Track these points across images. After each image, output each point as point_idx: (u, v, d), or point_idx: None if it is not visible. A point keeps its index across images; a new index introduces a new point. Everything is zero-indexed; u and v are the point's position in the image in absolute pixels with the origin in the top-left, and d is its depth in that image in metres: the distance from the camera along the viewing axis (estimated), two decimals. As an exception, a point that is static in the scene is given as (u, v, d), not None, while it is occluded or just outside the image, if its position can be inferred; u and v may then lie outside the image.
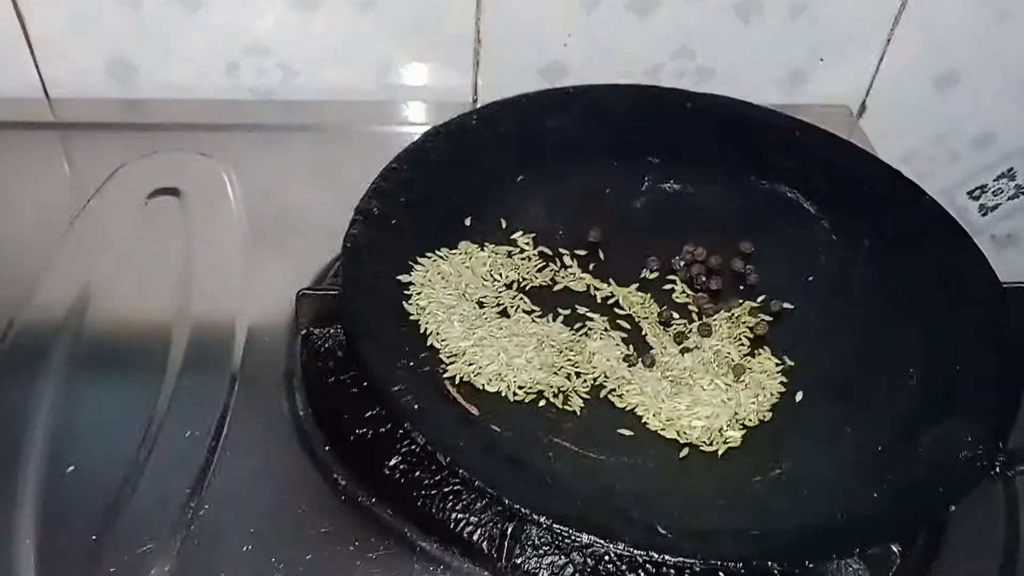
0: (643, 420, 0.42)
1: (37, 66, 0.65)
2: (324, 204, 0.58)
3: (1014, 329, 0.45)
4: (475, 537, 0.39)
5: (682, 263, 0.51)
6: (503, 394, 0.42)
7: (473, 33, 0.65)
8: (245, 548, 0.39)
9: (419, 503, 0.40)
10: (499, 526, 0.39)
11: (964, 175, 0.74)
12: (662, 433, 0.42)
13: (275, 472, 0.44)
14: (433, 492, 0.40)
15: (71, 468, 0.43)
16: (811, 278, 0.51)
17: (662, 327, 0.47)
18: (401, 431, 0.41)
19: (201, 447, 0.44)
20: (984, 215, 0.76)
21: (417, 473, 0.41)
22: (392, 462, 0.41)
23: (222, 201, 0.59)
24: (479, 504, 0.39)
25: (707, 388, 0.43)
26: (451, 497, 0.40)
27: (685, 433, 0.41)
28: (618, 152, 0.57)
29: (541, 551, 0.38)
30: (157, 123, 0.64)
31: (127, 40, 0.64)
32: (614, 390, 0.43)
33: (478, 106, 0.68)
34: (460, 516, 0.39)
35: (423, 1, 0.63)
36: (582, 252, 0.51)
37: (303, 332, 0.47)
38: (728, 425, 0.42)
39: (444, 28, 0.65)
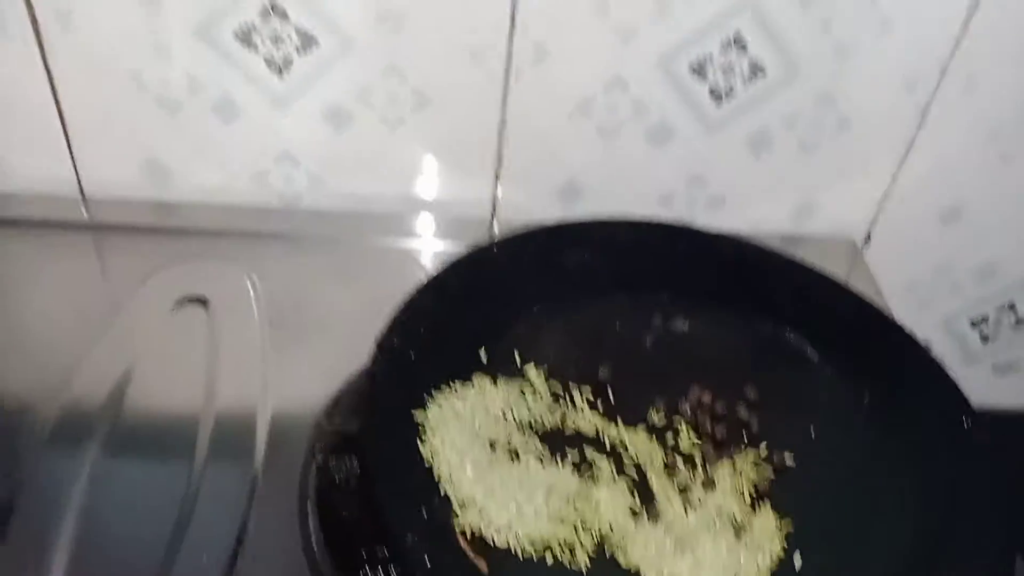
0: (645, 580, 0.43)
1: (75, 164, 0.67)
2: (346, 313, 0.61)
3: (1012, 486, 0.47)
4: None
5: (688, 408, 0.53)
6: (512, 548, 0.43)
7: (495, 153, 0.68)
8: None
9: (425, 654, 0.41)
10: None
11: (966, 305, 0.76)
12: (664, 595, 0.43)
13: (285, 607, 0.45)
14: (440, 644, 0.41)
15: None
16: (813, 429, 0.52)
17: (667, 475, 0.49)
18: (411, 581, 0.42)
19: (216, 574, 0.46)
20: (985, 343, 0.78)
21: (424, 622, 0.42)
22: (401, 608, 0.42)
23: (246, 309, 0.61)
24: (484, 662, 0.40)
25: (709, 549, 0.44)
26: (457, 651, 0.41)
27: (686, 596, 0.43)
28: (630, 287, 0.58)
29: None
30: (187, 227, 0.67)
31: (164, 143, 0.67)
32: (619, 546, 0.44)
33: (495, 220, 0.71)
34: (465, 672, 0.40)
35: (451, 122, 0.66)
36: (591, 390, 0.53)
37: (318, 464, 0.49)
38: (728, 588, 0.43)
39: (469, 147, 0.68)
